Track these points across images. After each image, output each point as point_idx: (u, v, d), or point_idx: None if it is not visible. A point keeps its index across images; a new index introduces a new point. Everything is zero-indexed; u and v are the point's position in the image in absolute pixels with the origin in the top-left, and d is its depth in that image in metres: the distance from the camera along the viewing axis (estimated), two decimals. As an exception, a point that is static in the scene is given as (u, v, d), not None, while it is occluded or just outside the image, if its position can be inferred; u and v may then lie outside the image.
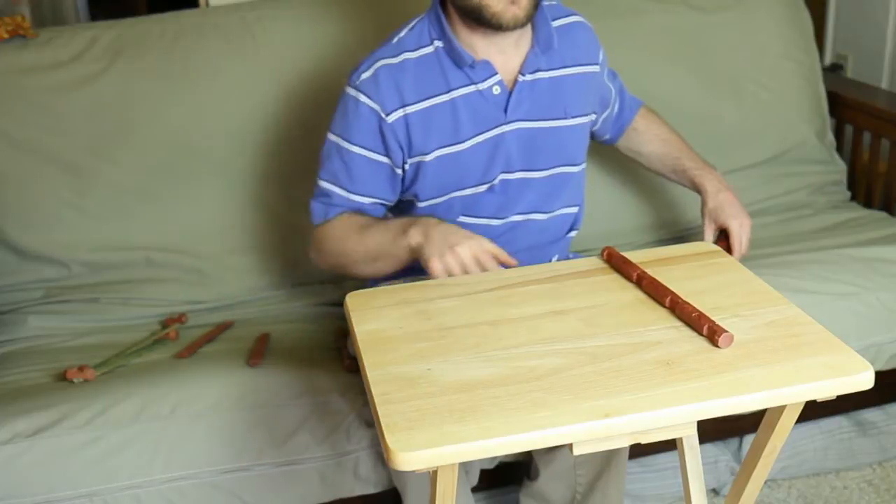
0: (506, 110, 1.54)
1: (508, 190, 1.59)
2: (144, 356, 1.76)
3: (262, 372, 1.63)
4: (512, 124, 1.55)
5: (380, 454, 1.63)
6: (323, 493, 1.64)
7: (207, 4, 2.30)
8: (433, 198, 1.57)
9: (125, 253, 1.93)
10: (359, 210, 1.56)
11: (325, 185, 1.57)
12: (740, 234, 1.73)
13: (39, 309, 1.90)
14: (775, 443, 1.24)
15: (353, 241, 1.53)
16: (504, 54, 1.53)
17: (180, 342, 1.81)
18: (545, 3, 1.57)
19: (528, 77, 1.54)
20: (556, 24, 1.59)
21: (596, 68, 1.65)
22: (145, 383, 1.60)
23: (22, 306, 1.90)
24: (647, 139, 1.83)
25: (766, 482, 1.74)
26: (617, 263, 1.37)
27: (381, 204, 1.58)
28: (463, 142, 1.53)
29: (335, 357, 1.73)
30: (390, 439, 1.00)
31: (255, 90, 1.97)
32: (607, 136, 1.83)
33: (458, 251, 1.38)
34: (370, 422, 1.61)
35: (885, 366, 1.86)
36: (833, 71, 2.72)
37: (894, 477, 2.01)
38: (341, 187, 1.55)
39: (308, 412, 1.59)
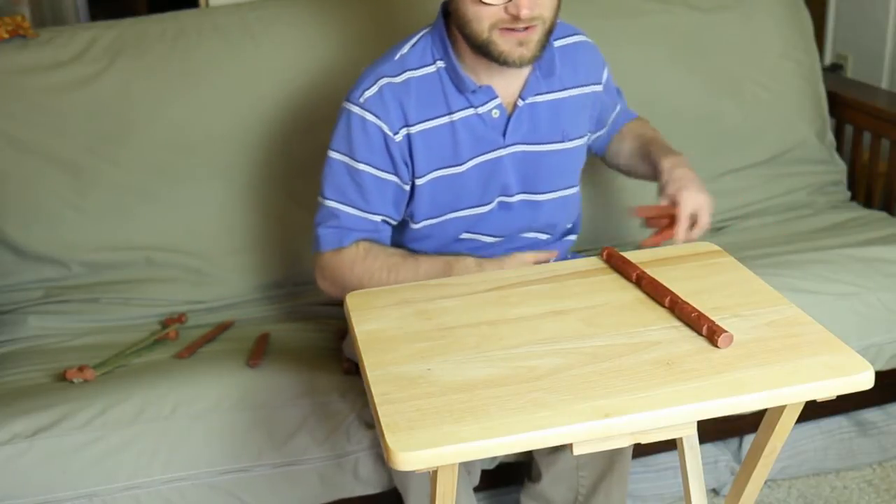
0: (504, 134, 1.52)
1: (511, 211, 1.58)
2: (144, 356, 1.76)
3: (261, 372, 1.63)
4: (510, 148, 1.53)
5: (380, 455, 1.63)
6: (322, 494, 1.64)
7: (207, 4, 2.30)
8: (429, 218, 1.55)
9: (125, 253, 1.93)
10: (372, 236, 1.51)
11: (333, 205, 1.50)
12: (689, 205, 1.50)
13: (39, 309, 1.90)
14: (775, 443, 1.24)
15: (377, 280, 1.46)
16: (506, 79, 1.50)
17: (180, 342, 1.81)
18: None
19: (528, 101, 1.53)
20: (558, 44, 1.56)
21: (598, 88, 1.63)
22: (145, 383, 1.60)
23: (22, 306, 1.90)
24: (624, 137, 1.77)
25: (766, 482, 1.73)
26: (616, 263, 1.37)
27: (389, 223, 1.54)
28: (461, 164, 1.52)
29: (335, 358, 1.73)
30: (390, 439, 1.00)
31: (255, 90, 1.97)
32: (594, 150, 1.79)
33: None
34: (370, 423, 1.61)
35: (885, 366, 1.86)
36: (833, 71, 2.72)
37: (894, 477, 2.01)
38: (354, 206, 1.50)
39: (308, 413, 1.59)
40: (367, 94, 1.48)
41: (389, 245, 1.55)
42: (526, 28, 1.39)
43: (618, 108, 1.75)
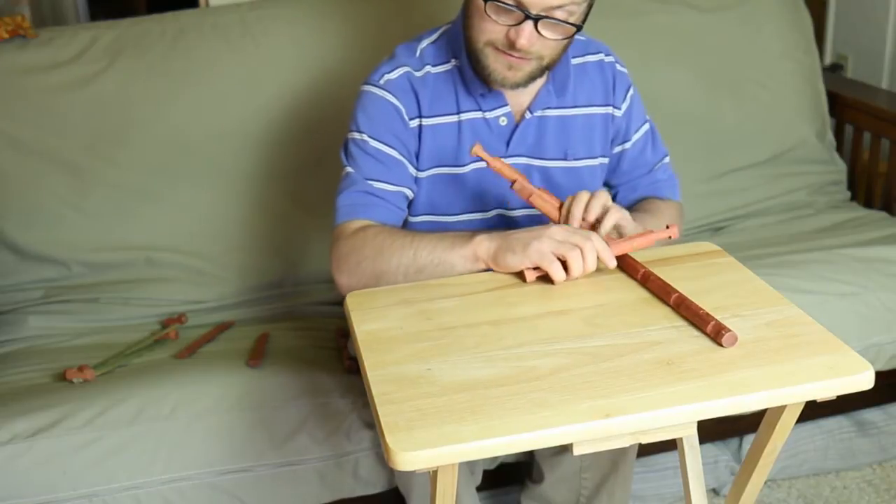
0: (508, 144, 1.52)
1: (515, 226, 1.56)
2: (144, 356, 1.76)
3: (261, 372, 1.63)
4: (512, 159, 1.52)
5: (380, 455, 1.63)
6: (322, 494, 1.64)
7: (207, 4, 2.30)
8: (425, 214, 1.55)
9: (125, 253, 1.93)
10: (395, 213, 1.47)
11: (367, 183, 1.46)
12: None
13: (39, 309, 1.90)
14: (775, 443, 1.24)
15: (396, 246, 1.37)
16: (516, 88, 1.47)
17: (180, 342, 1.81)
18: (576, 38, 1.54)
19: (537, 113, 1.52)
20: (577, 61, 1.55)
21: (610, 110, 1.58)
22: (145, 383, 1.60)
23: (22, 306, 1.90)
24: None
25: (766, 482, 1.73)
26: (620, 262, 1.36)
27: (407, 197, 1.50)
28: (462, 165, 1.52)
29: (335, 357, 1.74)
30: (390, 439, 1.00)
31: (255, 90, 1.97)
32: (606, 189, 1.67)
33: (576, 248, 1.27)
34: (370, 422, 1.61)
35: (885, 366, 1.86)
36: (833, 71, 2.72)
37: (894, 477, 2.01)
38: (378, 181, 1.46)
39: (308, 413, 1.59)
40: (388, 76, 1.49)
41: None
42: (520, 58, 1.39)
43: (633, 149, 1.62)
